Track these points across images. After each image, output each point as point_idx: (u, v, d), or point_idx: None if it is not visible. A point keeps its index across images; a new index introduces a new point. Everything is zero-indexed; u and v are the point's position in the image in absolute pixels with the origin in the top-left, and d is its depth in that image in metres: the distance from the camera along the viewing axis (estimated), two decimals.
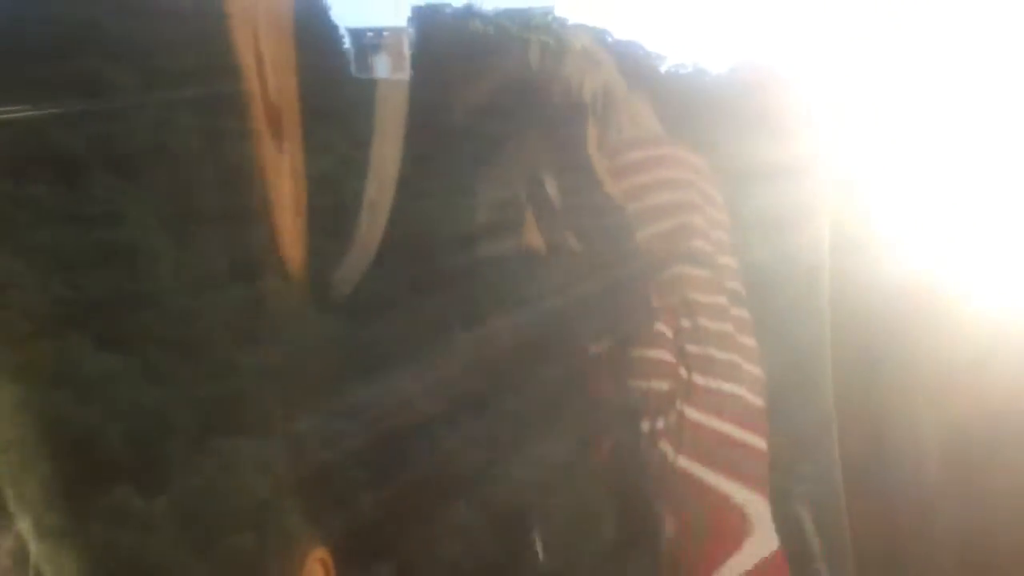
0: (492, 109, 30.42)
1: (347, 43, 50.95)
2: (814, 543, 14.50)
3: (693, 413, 15.26)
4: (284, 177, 26.63)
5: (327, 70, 40.42)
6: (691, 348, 15.85)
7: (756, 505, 14.23)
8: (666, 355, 15.90)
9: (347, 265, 22.37)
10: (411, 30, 50.71)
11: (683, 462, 14.65)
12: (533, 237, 22.11)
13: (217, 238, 24.19)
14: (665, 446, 14.88)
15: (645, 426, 15.30)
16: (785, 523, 14.48)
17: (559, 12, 55.68)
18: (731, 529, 14.10)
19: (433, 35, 45.03)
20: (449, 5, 49.99)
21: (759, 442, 14.89)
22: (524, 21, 51.49)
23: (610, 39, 55.64)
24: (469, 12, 48.51)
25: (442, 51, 42.20)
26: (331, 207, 26.28)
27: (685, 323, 15.99)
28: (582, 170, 20.81)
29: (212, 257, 23.25)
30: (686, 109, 38.41)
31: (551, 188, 23.20)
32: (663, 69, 55.40)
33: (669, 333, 16.00)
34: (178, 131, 28.22)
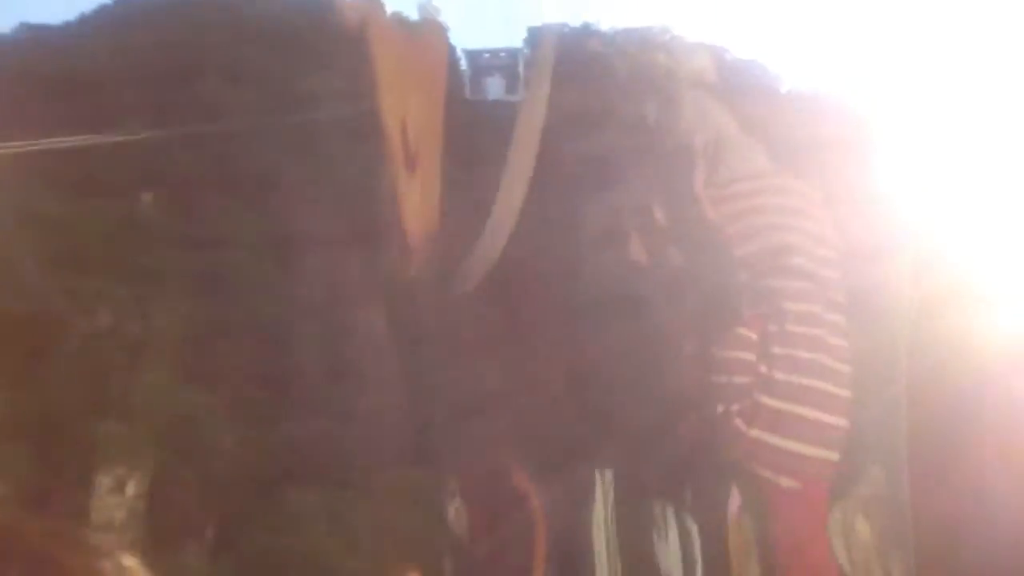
0: (606, 144, 29.14)
1: (463, 64, 50.82)
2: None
3: (770, 400, 16.12)
4: (411, 201, 25.93)
5: (447, 92, 40.02)
6: (776, 350, 16.68)
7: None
8: (748, 355, 16.75)
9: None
10: (527, 51, 49.93)
11: (756, 432, 15.60)
12: (637, 251, 22.51)
13: (342, 263, 23.98)
14: (739, 423, 15.86)
15: (720, 408, 16.33)
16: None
17: (677, 31, 54.15)
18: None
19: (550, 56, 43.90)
20: (566, 25, 48.82)
21: (839, 422, 15.47)
22: (642, 41, 49.82)
23: (729, 58, 53.47)
24: (587, 32, 47.14)
25: (559, 72, 40.96)
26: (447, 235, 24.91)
27: (772, 328, 16.79)
28: (688, 203, 21.72)
29: (328, 284, 22.24)
30: (804, 131, 38.97)
31: (658, 215, 22.78)
32: (783, 90, 53.07)
33: (754, 336, 16.86)
34: (300, 154, 27.46)
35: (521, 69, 49.11)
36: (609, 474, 17.36)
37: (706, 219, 21.28)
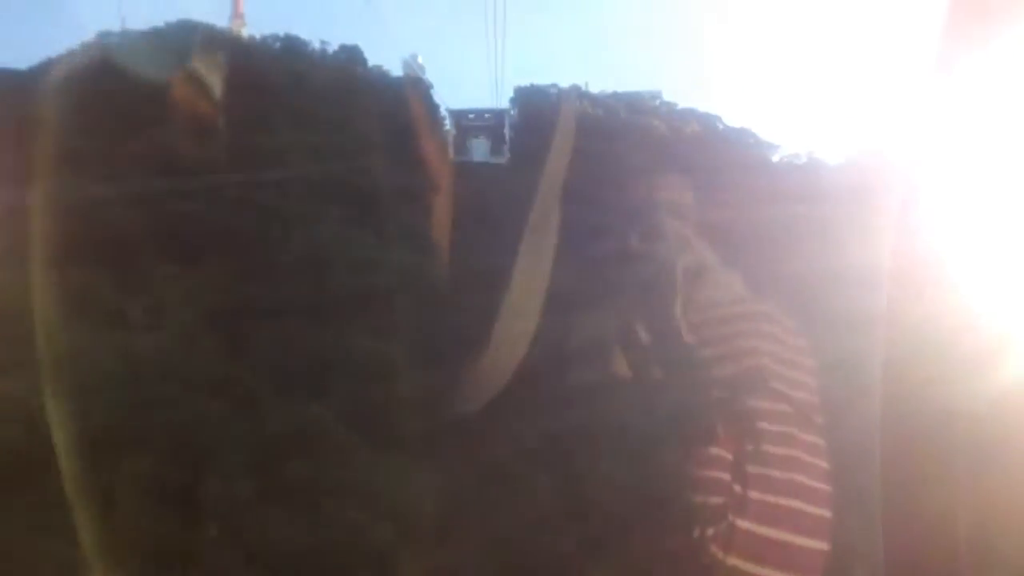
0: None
1: (448, 124, 48.92)
2: None
3: (745, 523, 14.97)
4: None
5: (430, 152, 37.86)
6: (751, 469, 15.62)
7: None
8: (722, 475, 15.80)
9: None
10: (513, 112, 48.24)
11: (733, 560, 14.47)
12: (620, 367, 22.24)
13: None
14: (715, 549, 14.83)
15: (695, 532, 15.40)
16: None
17: (668, 97, 52.62)
18: None
19: (537, 117, 42.12)
20: (555, 86, 47.32)
21: (819, 545, 14.21)
22: (632, 104, 48.33)
23: (721, 126, 51.99)
24: (576, 94, 45.55)
25: (547, 134, 38.82)
26: None
27: (748, 447, 15.87)
28: (667, 325, 20.20)
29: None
30: (800, 200, 37.13)
31: (641, 334, 22.48)
32: (776, 158, 51.63)
33: (728, 456, 15.92)
34: None
35: (507, 130, 47.40)
36: None
37: (683, 341, 21.81)
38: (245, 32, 50.31)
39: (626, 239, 33.19)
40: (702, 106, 48.48)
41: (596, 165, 36.15)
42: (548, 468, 20.74)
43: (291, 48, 43.22)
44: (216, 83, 36.60)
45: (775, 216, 36.61)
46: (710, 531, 15.03)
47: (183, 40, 40.57)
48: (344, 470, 15.86)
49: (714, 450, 15.91)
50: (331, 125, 33.77)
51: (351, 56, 42.47)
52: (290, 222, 26.06)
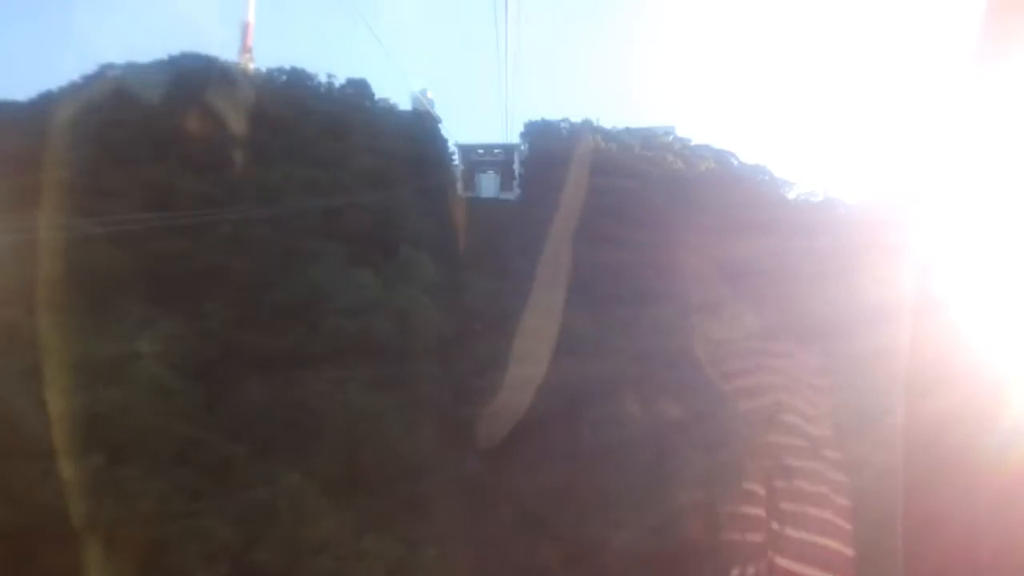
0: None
1: (456, 159, 47.21)
2: None
3: (783, 561, 15.99)
4: None
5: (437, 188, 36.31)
6: (785, 506, 16.80)
7: None
8: (759, 511, 16.80)
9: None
10: (524, 147, 46.56)
11: None
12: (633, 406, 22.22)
13: None
14: None
15: (735, 572, 16.33)
16: None
17: (681, 133, 51.05)
18: None
19: (548, 152, 40.42)
20: (567, 120, 45.46)
21: None
22: (646, 140, 46.68)
23: (736, 162, 50.28)
24: (588, 128, 43.74)
25: (558, 169, 37.16)
26: None
27: (780, 484, 17.11)
28: (686, 358, 22.37)
29: None
30: (815, 239, 35.19)
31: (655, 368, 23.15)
32: (791, 196, 49.76)
33: (762, 491, 17.07)
34: None
35: (517, 166, 45.71)
36: None
37: (704, 374, 21.31)
38: (253, 66, 49.36)
39: (643, 278, 31.60)
40: (716, 143, 47.00)
41: (611, 201, 34.49)
42: (556, 532, 18.90)
43: (296, 81, 41.82)
44: (217, 116, 35.33)
45: (792, 252, 35.37)
46: (750, 570, 16.26)
47: (186, 73, 39.41)
48: (325, 557, 13.79)
49: (747, 485, 17.13)
50: (333, 159, 32.16)
51: (358, 90, 40.94)
52: (285, 260, 24.33)
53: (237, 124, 35.15)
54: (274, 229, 26.72)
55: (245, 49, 57.01)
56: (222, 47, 48.49)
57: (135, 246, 22.10)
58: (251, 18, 59.70)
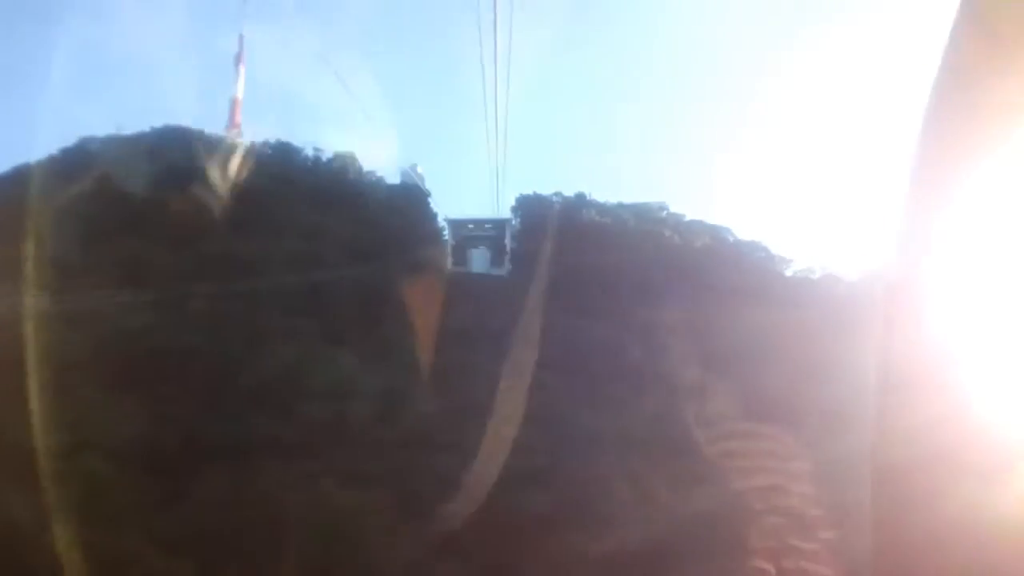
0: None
1: (446, 234, 45.84)
2: None
3: None
4: None
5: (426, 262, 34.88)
6: None
7: None
8: None
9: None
10: (515, 221, 45.38)
11: None
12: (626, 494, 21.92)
13: None
14: None
15: None
16: None
17: (675, 208, 50.02)
18: None
19: (540, 227, 39.16)
20: (559, 194, 44.27)
21: None
22: (640, 214, 45.57)
23: (731, 239, 49.15)
24: (581, 202, 42.69)
25: (551, 244, 35.82)
26: None
27: (787, 564, 17.18)
28: (682, 436, 22.20)
29: None
30: (816, 316, 33.45)
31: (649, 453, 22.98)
32: (789, 273, 48.48)
33: (772, 570, 16.71)
34: None
35: (508, 241, 44.44)
36: None
37: (702, 453, 21.21)
38: (240, 141, 48.49)
39: (638, 357, 30.04)
40: (710, 218, 45.92)
41: (605, 277, 33.10)
42: None
43: (282, 154, 40.78)
44: (196, 190, 34.05)
45: (789, 329, 34.08)
46: None
47: (168, 146, 38.36)
48: None
49: (758, 563, 17.01)
50: (316, 232, 30.74)
51: (345, 163, 39.90)
52: (259, 338, 22.55)
53: (217, 197, 33.89)
54: (248, 305, 25.02)
55: (234, 124, 56.21)
56: (210, 122, 47.52)
57: (96, 324, 20.33)
58: (239, 94, 59.30)
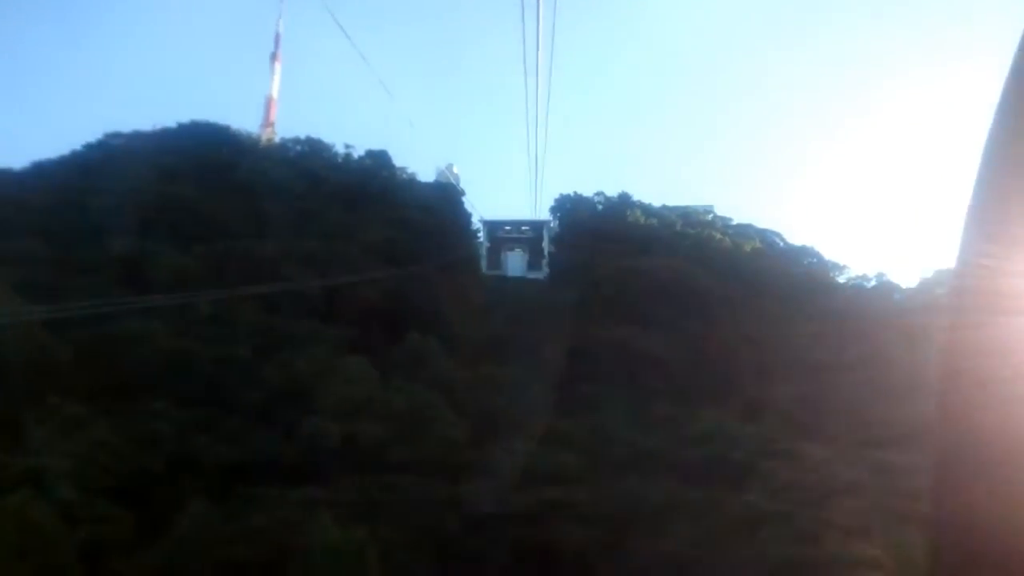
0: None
1: (481, 236, 43.04)
2: None
3: None
4: None
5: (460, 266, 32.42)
6: None
7: None
8: None
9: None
10: (554, 223, 42.51)
11: None
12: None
13: None
14: None
15: None
16: None
17: (720, 211, 46.93)
18: None
19: (581, 228, 36.43)
20: (601, 194, 41.24)
21: None
22: (687, 217, 42.50)
23: (781, 244, 45.93)
24: (625, 203, 39.67)
25: (593, 246, 33.03)
26: None
27: None
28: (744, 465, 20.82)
29: None
30: (874, 326, 31.41)
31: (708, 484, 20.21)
32: (843, 279, 45.10)
33: None
34: None
35: (546, 244, 41.54)
36: None
37: (765, 481, 19.67)
38: (271, 137, 46.69)
39: (692, 372, 27.16)
40: (758, 222, 42.93)
41: (653, 282, 30.02)
42: None
43: (312, 151, 38.66)
44: (217, 186, 32.05)
45: (847, 340, 31.01)
46: None
47: (193, 142, 36.50)
48: None
49: None
50: (342, 231, 28.42)
51: (377, 161, 37.54)
52: (270, 347, 20.21)
53: (237, 193, 31.81)
54: (262, 309, 22.77)
55: (268, 123, 54.67)
56: (245, 121, 45.89)
57: (83, 330, 18.01)
58: (275, 93, 57.66)
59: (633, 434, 19.87)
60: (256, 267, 24.08)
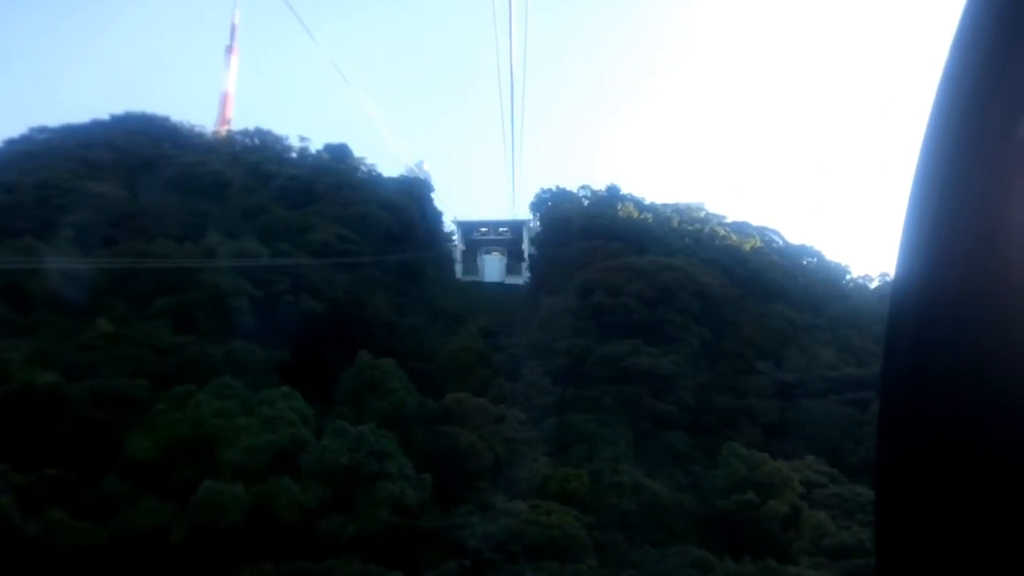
0: None
1: (455, 238, 38.46)
2: None
3: None
4: None
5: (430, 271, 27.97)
6: None
7: None
8: None
9: None
10: (534, 222, 37.83)
11: None
12: None
13: None
14: None
15: None
16: None
17: (711, 210, 42.96)
18: None
19: (564, 225, 31.84)
20: (587, 187, 36.19)
21: None
22: (682, 213, 38.59)
23: (780, 242, 41.94)
24: (615, 197, 35.06)
25: (579, 246, 28.59)
26: None
27: None
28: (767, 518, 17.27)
29: None
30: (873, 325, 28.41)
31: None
32: (845, 279, 41.46)
33: None
34: None
35: (526, 245, 36.85)
36: None
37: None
38: (220, 130, 42.27)
39: (688, 388, 22.94)
40: (754, 220, 39.10)
41: (653, 286, 25.36)
42: None
43: (263, 144, 34.03)
44: (138, 181, 27.47)
45: (859, 348, 27.77)
46: None
47: (124, 137, 32.00)
48: None
49: None
50: (283, 231, 23.76)
51: (336, 155, 32.91)
52: (169, 377, 15.48)
53: (170, 191, 27.26)
54: (172, 326, 18.07)
55: (223, 120, 49.89)
56: (201, 119, 41.26)
57: None
58: (231, 88, 53.09)
59: (641, 479, 15.33)
60: (174, 273, 19.41)
